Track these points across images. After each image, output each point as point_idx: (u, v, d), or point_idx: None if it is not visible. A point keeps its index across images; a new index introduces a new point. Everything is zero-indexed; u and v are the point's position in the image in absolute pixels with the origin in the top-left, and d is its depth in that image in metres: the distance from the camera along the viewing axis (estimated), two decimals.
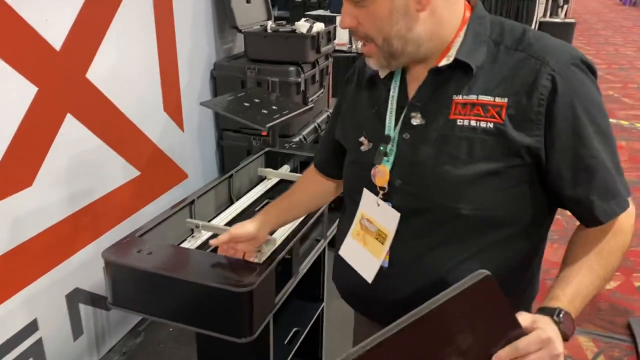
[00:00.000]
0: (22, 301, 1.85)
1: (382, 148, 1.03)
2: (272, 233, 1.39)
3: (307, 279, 1.75)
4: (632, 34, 12.74)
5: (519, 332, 0.77)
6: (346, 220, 1.16)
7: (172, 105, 2.59)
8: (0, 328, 1.80)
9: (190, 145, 2.81)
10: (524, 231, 1.00)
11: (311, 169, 1.37)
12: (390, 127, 1.03)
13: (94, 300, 2.22)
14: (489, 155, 0.93)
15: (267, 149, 2.12)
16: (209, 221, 1.76)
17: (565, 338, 0.85)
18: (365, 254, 1.09)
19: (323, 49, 2.94)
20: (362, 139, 1.09)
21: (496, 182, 0.95)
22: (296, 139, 2.87)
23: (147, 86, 2.39)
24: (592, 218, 0.96)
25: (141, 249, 1.39)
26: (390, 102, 1.04)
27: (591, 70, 0.96)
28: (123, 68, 2.20)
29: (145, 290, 1.34)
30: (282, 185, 2.04)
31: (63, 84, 1.91)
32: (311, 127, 3.05)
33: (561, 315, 0.87)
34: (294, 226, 1.66)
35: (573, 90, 0.92)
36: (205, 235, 1.63)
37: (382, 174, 1.03)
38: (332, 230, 1.82)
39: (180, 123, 2.68)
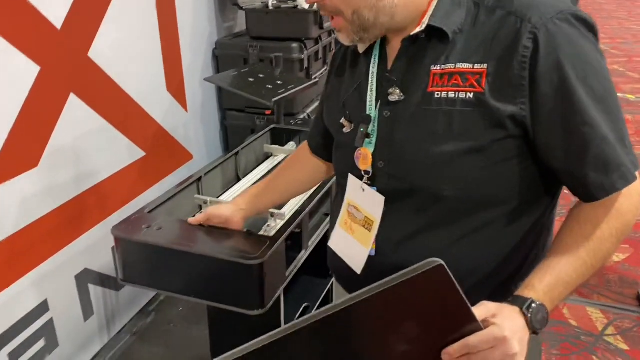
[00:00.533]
0: (32, 282, 1.85)
1: (362, 129, 0.97)
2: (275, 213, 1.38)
3: (316, 255, 1.74)
4: (636, 8, 12.57)
5: (475, 326, 0.70)
6: (336, 208, 1.11)
7: (175, 85, 2.57)
8: (12, 309, 1.80)
9: (194, 126, 2.79)
10: (520, 211, 0.92)
11: (303, 151, 1.31)
12: (371, 105, 0.97)
13: (104, 280, 2.22)
14: (471, 130, 0.85)
15: (272, 126, 2.10)
16: (217, 198, 1.74)
17: (535, 332, 0.78)
18: (353, 243, 1.04)
19: (326, 25, 2.90)
20: (343, 120, 1.03)
21: (480, 159, 0.87)
22: (301, 117, 2.84)
23: (149, 65, 2.37)
24: (586, 193, 0.86)
25: (150, 224, 1.38)
26: (370, 78, 0.98)
27: (587, 26, 0.84)
28: (125, 46, 2.17)
29: (156, 266, 1.34)
30: None
31: (65, 62, 1.89)
32: (315, 104, 3.02)
33: (532, 307, 0.79)
34: (303, 200, 1.65)
35: (559, 48, 0.81)
36: None
37: (364, 157, 0.97)
38: None
39: (183, 103, 2.66)
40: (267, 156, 2.10)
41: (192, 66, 2.68)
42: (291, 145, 2.09)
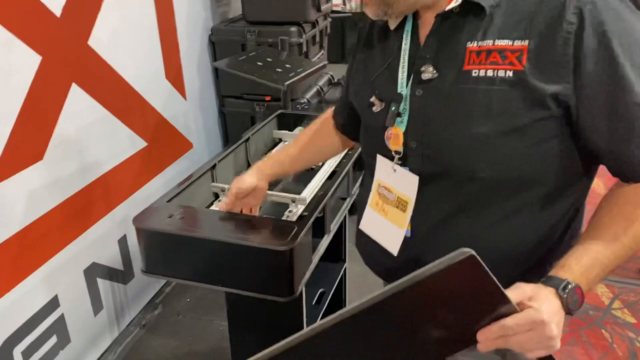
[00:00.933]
0: (42, 278, 1.81)
1: (393, 108, 0.94)
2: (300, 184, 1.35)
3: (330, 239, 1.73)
4: None
5: (510, 308, 0.69)
6: (365, 190, 1.09)
7: (174, 73, 2.52)
8: (23, 306, 1.76)
9: (193, 114, 2.74)
10: (557, 193, 0.89)
11: (327, 124, 1.30)
12: (403, 83, 0.94)
13: (111, 274, 2.18)
14: (510, 109, 0.82)
15: (279, 112, 2.06)
16: None
17: (570, 313, 0.76)
18: (386, 225, 1.02)
19: (323, 7, 2.86)
20: (373, 99, 1.00)
21: (519, 140, 0.83)
22: (302, 102, 2.81)
23: (147, 53, 2.32)
24: (632, 172, 0.83)
25: (172, 214, 1.34)
26: (402, 55, 0.94)
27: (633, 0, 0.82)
28: (124, 34, 2.12)
29: (180, 256, 1.31)
30: None
31: (66, 51, 1.84)
32: (314, 90, 2.99)
33: (568, 288, 0.76)
34: (321, 183, 1.63)
35: (606, 24, 0.78)
36: None
37: (395, 136, 0.95)
38: (356, 189, 1.79)
39: (182, 91, 2.61)
40: (275, 142, 2.07)
41: (188, 53, 2.63)
42: (299, 130, 2.06)
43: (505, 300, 0.68)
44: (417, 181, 0.94)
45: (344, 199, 1.71)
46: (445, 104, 0.89)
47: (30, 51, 1.69)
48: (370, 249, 1.08)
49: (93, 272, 2.06)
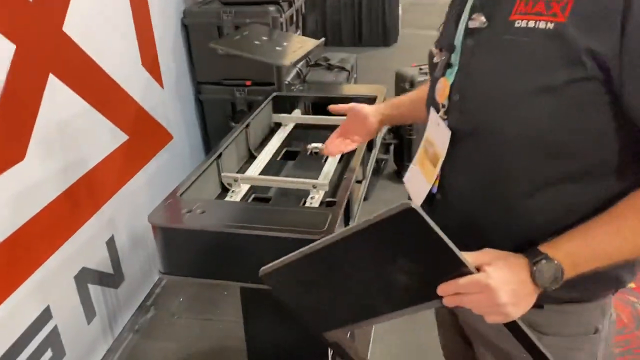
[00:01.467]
0: (32, 289, 1.66)
1: (443, 58, 0.92)
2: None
3: None
4: None
5: (466, 270, 0.73)
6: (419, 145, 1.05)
7: (150, 59, 2.35)
8: (14, 320, 1.61)
9: (171, 103, 2.59)
10: (601, 171, 0.81)
11: None
12: (460, 33, 0.90)
13: (102, 278, 2.04)
14: (545, 65, 0.76)
15: (274, 94, 1.95)
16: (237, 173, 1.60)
17: (544, 289, 0.76)
18: (420, 178, 0.99)
19: None
20: (434, 49, 0.98)
21: (552, 101, 0.76)
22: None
23: (123, 39, 2.15)
24: None
25: (190, 208, 1.23)
26: (467, 3, 0.90)
27: None
28: (98, 19, 1.95)
29: (206, 253, 1.20)
30: (299, 131, 1.90)
31: (41, 39, 1.67)
32: (294, 72, 2.87)
33: (542, 262, 0.75)
34: (334, 167, 1.54)
35: None
36: (244, 188, 1.48)
37: (441, 87, 0.92)
38: (369, 173, 1.72)
39: (159, 78, 2.45)
40: (271, 127, 1.96)
41: (162, 38, 2.46)
42: (297, 112, 1.96)
43: (459, 261, 0.72)
44: (448, 136, 0.90)
45: (360, 182, 1.63)
46: (489, 55, 0.84)
47: (4, 39, 1.52)
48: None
49: (84, 278, 1.91)
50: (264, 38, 1.72)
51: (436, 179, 0.94)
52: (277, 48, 1.65)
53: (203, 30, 2.64)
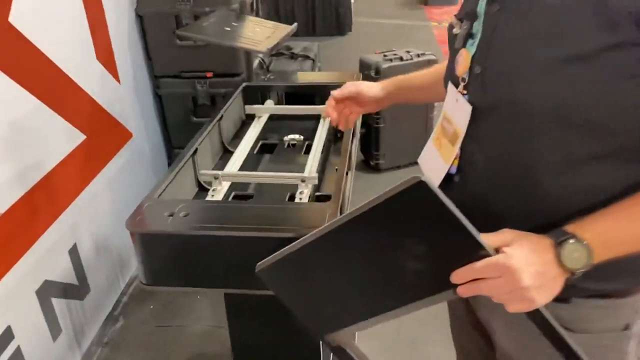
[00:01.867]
0: None
1: (465, 27, 0.85)
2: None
3: None
4: None
5: (484, 252, 0.67)
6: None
7: (104, 52, 2.19)
8: None
9: (129, 99, 2.42)
10: None
11: None
12: (484, 1, 0.83)
13: (66, 291, 1.88)
14: (578, 31, 0.69)
15: (244, 84, 1.84)
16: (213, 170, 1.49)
17: (572, 273, 0.69)
18: (437, 159, 0.93)
19: None
20: (453, 19, 0.90)
21: (585, 71, 0.70)
22: (243, 76, 2.57)
23: (74, 30, 1.98)
24: None
25: (172, 211, 1.11)
26: None
27: None
28: (47, 10, 1.78)
29: (195, 260, 1.08)
30: (274, 123, 1.80)
31: None
32: (256, 62, 2.75)
33: (568, 242, 0.69)
34: (317, 161, 1.46)
35: None
36: (225, 185, 1.37)
37: (462, 60, 0.85)
38: (354, 163, 1.64)
39: (115, 73, 2.29)
40: (243, 120, 1.85)
41: (116, 30, 2.30)
42: (270, 103, 1.85)
43: (475, 241, 0.65)
44: (469, 112, 0.82)
45: (348, 172, 1.55)
46: (515, 22, 0.77)
47: None
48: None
49: (46, 292, 1.75)
50: (234, 24, 1.60)
51: (455, 158, 0.87)
52: (250, 34, 1.54)
53: (159, 20, 2.49)
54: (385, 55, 3.05)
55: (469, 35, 0.84)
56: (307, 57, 2.94)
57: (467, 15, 0.85)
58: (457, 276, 0.68)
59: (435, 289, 0.71)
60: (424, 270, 0.70)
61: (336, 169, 1.33)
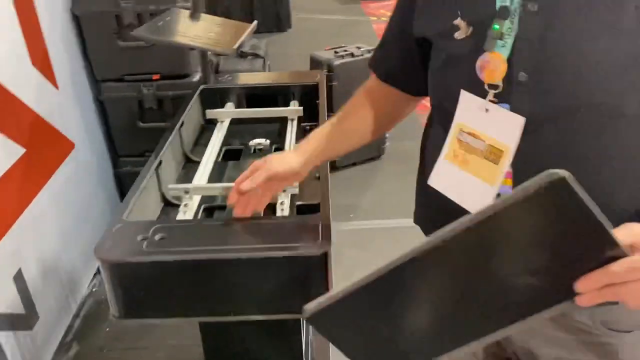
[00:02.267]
0: None
1: (496, 27, 0.74)
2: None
3: None
4: None
5: (618, 252, 0.58)
6: (434, 140, 0.90)
7: (40, 57, 2.00)
8: None
9: (69, 106, 2.23)
10: None
11: (368, 87, 1.05)
12: None
13: (13, 321, 1.70)
14: None
15: (202, 87, 1.72)
16: (178, 183, 1.37)
17: None
18: (469, 180, 0.83)
19: None
20: (457, 21, 0.80)
21: None
22: (195, 79, 2.43)
23: (5, 33, 1.79)
24: None
25: (145, 235, 1.00)
26: None
27: None
28: None
29: (174, 288, 0.97)
30: (237, 127, 1.69)
31: None
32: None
33: None
34: None
35: None
36: (196, 200, 1.26)
37: (496, 64, 0.76)
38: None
39: (52, 78, 2.10)
40: (203, 126, 1.73)
41: (51, 31, 2.11)
42: (230, 106, 1.74)
43: (610, 240, 0.56)
44: (520, 125, 0.75)
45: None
46: (578, 16, 0.70)
47: None
48: (438, 216, 0.77)
49: None
50: (190, 23, 1.48)
51: (506, 178, 0.78)
52: (211, 34, 1.43)
53: (98, 20, 2.31)
54: (336, 52, 2.99)
55: (499, 35, 0.75)
56: (257, 56, 2.83)
57: (488, 15, 0.76)
58: (586, 284, 0.58)
59: (547, 302, 0.61)
60: (537, 283, 0.60)
61: (317, 176, 1.24)
